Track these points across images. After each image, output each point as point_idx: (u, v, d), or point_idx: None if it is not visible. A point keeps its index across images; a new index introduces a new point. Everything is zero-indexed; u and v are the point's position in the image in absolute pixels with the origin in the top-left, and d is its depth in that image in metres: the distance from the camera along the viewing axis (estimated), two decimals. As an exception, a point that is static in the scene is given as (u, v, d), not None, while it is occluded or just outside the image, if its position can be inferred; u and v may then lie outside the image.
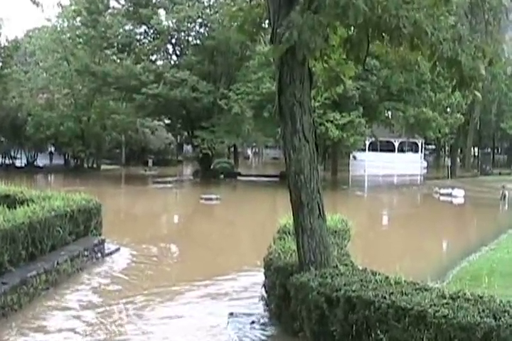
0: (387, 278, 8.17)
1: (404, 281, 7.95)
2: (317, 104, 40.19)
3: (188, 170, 69.92)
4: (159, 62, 55.80)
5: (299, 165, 9.28)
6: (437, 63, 8.71)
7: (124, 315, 11.42)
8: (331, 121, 43.51)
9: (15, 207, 13.80)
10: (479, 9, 9.02)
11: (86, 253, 15.11)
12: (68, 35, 58.06)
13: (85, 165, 63.75)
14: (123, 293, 13.06)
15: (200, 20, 52.92)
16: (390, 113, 51.85)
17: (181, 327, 10.81)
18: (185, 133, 66.03)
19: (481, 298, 7.09)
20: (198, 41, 54.40)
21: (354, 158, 62.57)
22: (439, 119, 47.90)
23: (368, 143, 68.92)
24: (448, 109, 52.24)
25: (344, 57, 9.67)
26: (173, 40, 55.11)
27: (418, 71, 38.76)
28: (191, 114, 54.00)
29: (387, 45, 9.12)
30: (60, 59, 59.44)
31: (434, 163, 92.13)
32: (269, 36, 9.58)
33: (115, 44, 53.45)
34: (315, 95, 10.58)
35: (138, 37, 55.26)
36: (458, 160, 73.78)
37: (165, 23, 53.07)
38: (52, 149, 66.75)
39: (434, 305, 6.82)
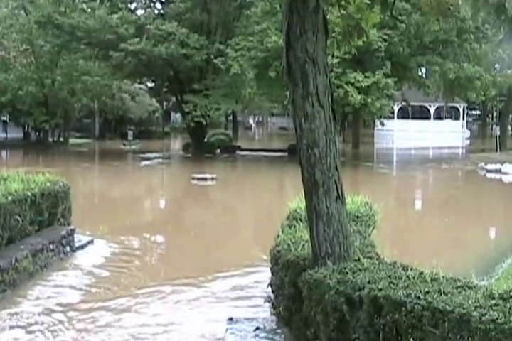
0: (421, 273, 8.13)
1: (443, 277, 7.91)
2: (335, 60, 40.02)
3: (176, 144, 70.03)
4: (140, 12, 55.60)
5: (312, 136, 9.21)
6: (481, 9, 8.59)
7: (99, 322, 11.42)
8: (352, 83, 43.37)
9: (-38, 192, 13.80)
10: None
11: (52, 246, 15.08)
12: (25, -23, 57.77)
13: (50, 139, 63.86)
14: (98, 296, 13.06)
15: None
16: (423, 70, 51.53)
17: (171, 337, 10.82)
18: (173, 99, 66.02)
19: (537, 297, 7.06)
20: (188, -16, 54.09)
21: (382, 124, 61.86)
22: (485, 77, 47.59)
23: (396, 108, 68.84)
24: (496, 65, 51.95)
25: (366, 1, 9.57)
26: (157, -17, 54.90)
27: (458, 17, 38.47)
28: (180, 75, 53.87)
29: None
30: (16, 8, 59.25)
31: (478, 133, 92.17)
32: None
33: (84, -11, 53.26)
34: (331, 49, 10.47)
35: (113, -21, 54.96)
36: (509, 128, 73.63)
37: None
38: (7, 118, 66.54)
39: (480, 306, 6.78)
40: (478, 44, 46.42)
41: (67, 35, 52.05)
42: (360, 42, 10.28)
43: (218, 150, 55.83)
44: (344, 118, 66.14)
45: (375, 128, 73.98)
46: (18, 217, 14.30)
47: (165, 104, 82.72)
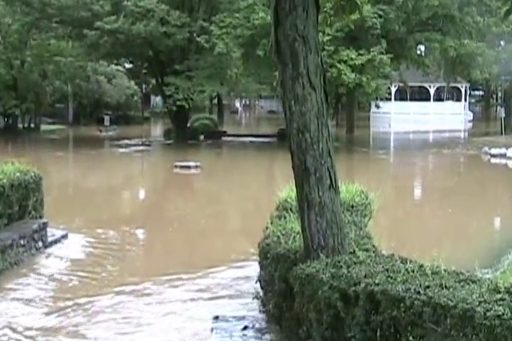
0: (421, 266, 8.15)
1: (445, 271, 7.93)
2: (326, 38, 40.01)
3: (157, 130, 69.99)
4: (116, -14, 55.24)
5: (303, 119, 9.19)
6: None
7: (73, 323, 11.41)
8: (345, 62, 43.37)
9: None
10: None
11: (22, 242, 15.03)
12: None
13: (20, 126, 63.56)
14: (73, 295, 13.03)
15: None
16: (422, 48, 51.54)
17: (154, 335, 10.81)
18: (153, 81, 65.80)
19: (546, 291, 7.08)
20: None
21: (377, 107, 62.17)
22: (488, 52, 47.66)
23: (394, 89, 68.88)
24: (501, 41, 52.00)
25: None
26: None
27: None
28: (161, 55, 53.70)
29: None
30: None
31: (482, 115, 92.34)
32: None
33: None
34: (322, 26, 10.44)
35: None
36: (514, 110, 73.80)
37: None
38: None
39: (485, 301, 6.79)
40: (481, 18, 46.37)
41: (38, 12, 51.75)
42: (354, 18, 10.25)
43: (202, 136, 55.70)
44: (337, 101, 66.02)
45: (371, 111, 74.04)
46: (-15, 211, 14.26)
47: (144, 86, 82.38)
